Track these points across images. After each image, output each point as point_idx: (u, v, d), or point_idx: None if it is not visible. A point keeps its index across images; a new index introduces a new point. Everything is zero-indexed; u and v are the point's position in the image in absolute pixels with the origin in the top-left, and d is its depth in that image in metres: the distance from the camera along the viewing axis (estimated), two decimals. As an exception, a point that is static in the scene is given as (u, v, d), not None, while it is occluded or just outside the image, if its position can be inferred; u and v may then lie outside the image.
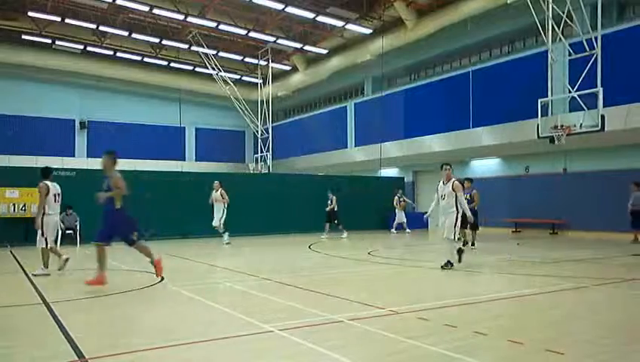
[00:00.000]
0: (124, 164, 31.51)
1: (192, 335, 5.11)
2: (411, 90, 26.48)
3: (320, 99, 35.00)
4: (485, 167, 23.45)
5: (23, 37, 27.59)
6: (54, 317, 5.95)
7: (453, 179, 10.18)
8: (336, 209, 19.35)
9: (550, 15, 15.69)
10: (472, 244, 14.05)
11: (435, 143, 23.89)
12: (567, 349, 4.49)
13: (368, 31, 26.33)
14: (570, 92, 15.82)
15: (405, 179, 26.45)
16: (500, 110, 21.06)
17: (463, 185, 10.79)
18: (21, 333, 5.36)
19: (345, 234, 19.10)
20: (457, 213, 9.91)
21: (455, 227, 9.84)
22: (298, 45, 28.84)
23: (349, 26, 25.74)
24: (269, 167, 30.24)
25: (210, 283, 8.56)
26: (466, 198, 10.74)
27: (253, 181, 21.93)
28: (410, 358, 4.34)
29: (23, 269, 10.55)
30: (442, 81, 24.75)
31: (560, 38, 16.08)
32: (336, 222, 19.41)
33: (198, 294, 7.35)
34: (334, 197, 19.39)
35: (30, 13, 24.79)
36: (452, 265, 9.79)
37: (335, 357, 4.34)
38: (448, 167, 10.71)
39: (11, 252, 13.85)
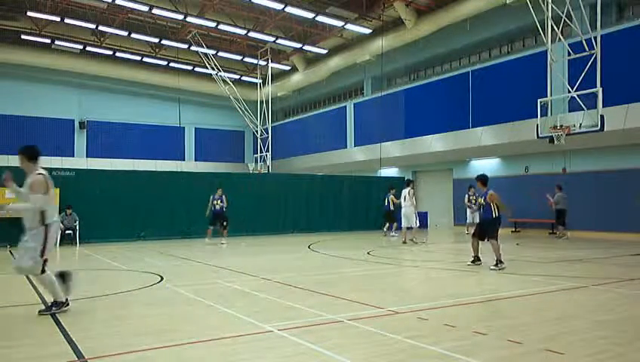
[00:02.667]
0: (122, 164, 31.68)
1: (191, 335, 5.11)
2: (411, 90, 26.50)
3: (319, 99, 35.00)
4: (485, 166, 23.44)
5: (22, 37, 27.57)
6: (54, 317, 5.95)
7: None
8: (392, 208, 18.79)
9: (549, 15, 15.71)
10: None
11: (434, 143, 23.91)
12: (567, 349, 4.49)
13: (368, 31, 26.34)
14: (569, 92, 15.84)
15: (405, 179, 26.42)
16: (499, 110, 21.10)
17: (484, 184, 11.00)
18: (21, 333, 5.36)
19: (395, 234, 18.73)
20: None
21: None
22: (298, 45, 28.86)
23: (349, 26, 25.75)
24: (268, 167, 30.25)
25: (210, 284, 8.56)
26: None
27: (252, 181, 21.92)
28: (409, 358, 4.34)
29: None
30: (442, 80, 24.77)
31: (559, 38, 16.10)
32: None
33: (197, 294, 7.35)
34: (392, 197, 18.62)
35: (29, 13, 24.77)
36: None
37: (335, 357, 4.34)
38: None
39: (11, 252, 13.84)
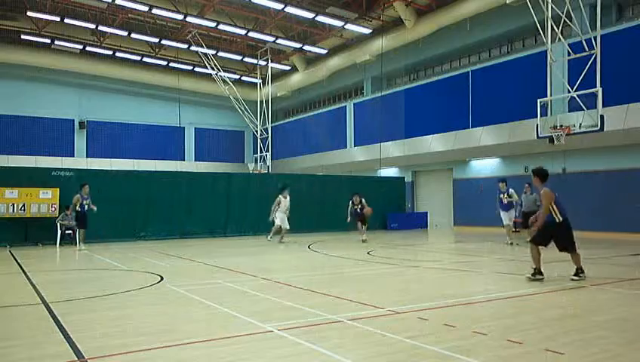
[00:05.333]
0: (122, 164, 31.69)
1: (191, 334, 5.11)
2: (411, 90, 26.51)
3: (319, 99, 35.01)
4: (484, 166, 23.46)
5: (22, 37, 27.59)
6: (54, 317, 5.94)
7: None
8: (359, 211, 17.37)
9: (549, 15, 15.71)
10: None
11: (434, 143, 23.92)
12: (567, 349, 4.49)
13: (368, 31, 26.35)
14: (569, 92, 15.85)
15: (405, 179, 26.47)
16: (499, 110, 21.11)
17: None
18: (21, 333, 5.36)
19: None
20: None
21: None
22: (297, 45, 28.86)
23: (349, 26, 25.75)
24: (268, 167, 30.25)
25: (210, 283, 8.55)
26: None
27: (252, 181, 21.91)
28: (409, 358, 4.34)
29: (23, 269, 10.53)
30: (442, 80, 24.78)
31: (559, 38, 16.10)
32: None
33: (197, 294, 7.35)
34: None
35: (29, 13, 24.77)
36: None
37: (335, 357, 4.34)
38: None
39: (10, 252, 13.84)
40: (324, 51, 29.57)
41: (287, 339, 4.91)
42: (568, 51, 16.10)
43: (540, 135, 16.21)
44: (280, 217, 16.76)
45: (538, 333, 5.04)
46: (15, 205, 16.14)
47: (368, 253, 13.29)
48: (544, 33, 15.99)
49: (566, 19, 15.59)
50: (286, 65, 33.22)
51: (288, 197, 16.97)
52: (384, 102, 27.04)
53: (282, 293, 7.41)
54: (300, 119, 35.15)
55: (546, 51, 16.32)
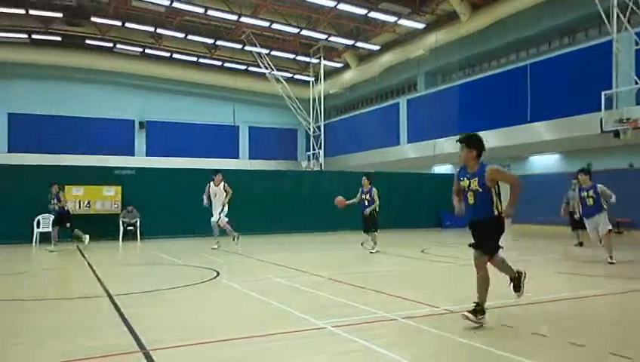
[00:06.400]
0: (180, 162, 32.49)
1: (246, 329, 5.20)
2: (466, 84, 25.89)
3: (372, 96, 34.80)
4: (544, 163, 22.63)
5: (87, 42, 28.91)
6: (117, 309, 6.20)
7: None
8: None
9: (615, 3, 14.96)
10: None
11: (491, 139, 23.19)
12: (634, 353, 4.27)
13: (421, 26, 25.95)
14: (636, 83, 15.04)
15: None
16: (559, 104, 20.27)
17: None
18: (87, 324, 5.62)
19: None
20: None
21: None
22: (350, 42, 28.79)
23: (402, 21, 25.44)
24: (320, 165, 30.37)
25: (264, 279, 8.68)
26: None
27: (305, 178, 22.06)
28: (466, 359, 4.26)
29: (88, 263, 11.05)
30: (498, 75, 24.06)
31: (626, 27, 15.30)
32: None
33: (251, 290, 7.47)
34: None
35: (93, 19, 25.94)
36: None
37: (389, 355, 4.30)
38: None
39: (77, 246, 14.52)
40: (376, 47, 29.36)
41: (341, 336, 4.91)
42: (636, 40, 15.29)
43: (604, 129, 15.48)
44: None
45: (601, 336, 4.83)
46: (81, 202, 16.96)
47: (422, 251, 13.12)
48: (609, 22, 15.24)
49: (633, 7, 14.80)
50: (338, 62, 33.22)
51: (222, 185, 13.81)
52: (438, 97, 26.56)
53: (336, 290, 7.42)
54: (352, 116, 35.05)
55: (610, 41, 15.56)
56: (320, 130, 30.79)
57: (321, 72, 30.21)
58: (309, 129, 31.89)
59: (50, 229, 16.43)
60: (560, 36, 22.93)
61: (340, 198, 12.61)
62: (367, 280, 8.47)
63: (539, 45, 23.78)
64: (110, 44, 29.42)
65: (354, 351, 4.49)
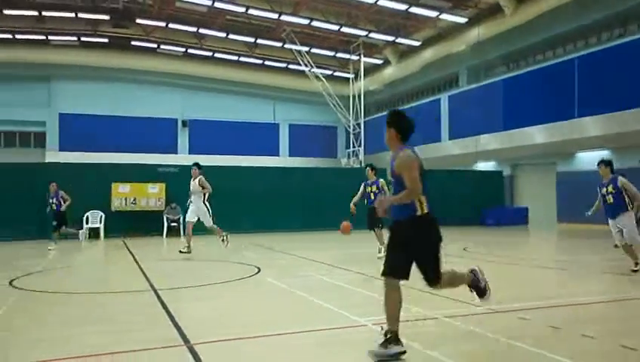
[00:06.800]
0: (222, 160, 32.94)
1: (287, 326, 5.23)
2: (510, 79, 25.26)
3: (412, 92, 34.40)
4: (594, 159, 21.83)
5: (132, 43, 29.72)
6: (162, 303, 6.35)
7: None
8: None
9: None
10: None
11: (536, 135, 22.64)
12: (692, 358, 4.07)
13: (463, 20, 25.47)
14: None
15: (503, 173, 25.37)
16: (609, 98, 19.52)
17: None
18: (134, 317, 5.79)
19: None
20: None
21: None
22: (390, 38, 28.54)
23: (444, 16, 25.04)
24: (360, 162, 30.27)
25: (305, 276, 8.71)
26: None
27: (345, 175, 22.01)
28: (510, 360, 4.16)
29: (135, 258, 11.36)
30: (544, 69, 23.36)
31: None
32: None
33: (292, 286, 7.52)
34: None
35: (138, 20, 26.65)
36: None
37: (430, 354, 4.25)
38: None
39: (124, 242, 14.97)
40: (417, 43, 29.00)
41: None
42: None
43: (657, 124, 14.82)
44: (201, 210, 11.96)
45: (656, 340, 4.62)
46: (127, 199, 17.47)
47: (464, 249, 12.89)
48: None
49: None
50: (379, 58, 32.98)
51: (197, 180, 12.09)
52: (481, 93, 26.02)
53: (376, 288, 7.37)
54: (392, 113, 34.75)
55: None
56: (360, 127, 30.67)
57: (361, 68, 30.08)
58: (349, 126, 31.82)
59: (98, 225, 17.04)
60: (610, 28, 22.07)
61: (345, 225, 10.96)
62: (410, 278, 8.37)
63: (587, 38, 22.96)
64: (154, 45, 30.17)
65: (395, 349, 4.44)
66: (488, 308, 5.87)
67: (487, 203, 23.50)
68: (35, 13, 25.22)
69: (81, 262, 12.29)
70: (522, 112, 23.68)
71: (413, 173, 4.30)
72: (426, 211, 4.36)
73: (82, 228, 15.94)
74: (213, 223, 11.85)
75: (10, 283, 7.93)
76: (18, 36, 27.84)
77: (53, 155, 28.40)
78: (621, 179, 8.53)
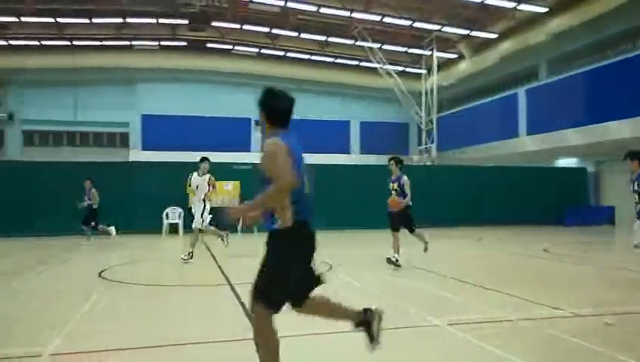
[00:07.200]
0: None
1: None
2: (594, 71, 23.85)
3: (487, 87, 33.29)
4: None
5: (208, 45, 30.84)
6: (237, 296, 6.56)
7: None
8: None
9: None
10: None
11: (623, 129, 21.25)
12: None
13: (543, 10, 24.31)
14: None
15: (588, 170, 24.05)
16: None
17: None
18: (213, 309, 6.01)
19: None
20: None
21: None
22: (465, 32, 27.78)
23: (522, 6, 24.02)
24: (432, 159, 29.72)
25: (376, 274, 8.68)
26: None
27: (418, 173, 21.71)
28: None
29: (211, 253, 11.78)
30: (633, 58, 21.86)
31: None
32: None
33: (362, 283, 7.52)
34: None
35: (214, 23, 27.62)
36: None
37: (509, 357, 4.11)
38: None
39: (202, 238, 15.50)
40: (493, 36, 28.02)
41: (455, 335, 4.78)
42: None
43: None
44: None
45: None
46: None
47: (545, 249, 12.34)
48: None
49: None
50: (452, 53, 32.17)
51: (207, 176, 11.27)
52: (562, 86, 24.75)
53: (451, 288, 7.24)
54: (466, 109, 33.81)
55: None
56: (432, 124, 30.09)
57: (434, 63, 29.48)
58: (421, 123, 31.31)
59: (177, 221, 17.78)
60: None
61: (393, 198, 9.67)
62: (482, 278, 8.14)
63: (682, 23, 21.27)
64: (229, 47, 31.13)
65: (468, 351, 4.35)
66: (570, 312, 5.60)
67: (569, 201, 22.39)
68: (120, 20, 26.73)
69: (164, 256, 12.91)
70: (608, 105, 22.29)
71: (279, 159, 3.23)
72: (290, 224, 3.29)
73: (112, 226, 15.21)
74: (209, 224, 11.04)
75: (100, 274, 8.50)
76: (105, 42, 29.67)
77: (136, 154, 30.04)
78: None
